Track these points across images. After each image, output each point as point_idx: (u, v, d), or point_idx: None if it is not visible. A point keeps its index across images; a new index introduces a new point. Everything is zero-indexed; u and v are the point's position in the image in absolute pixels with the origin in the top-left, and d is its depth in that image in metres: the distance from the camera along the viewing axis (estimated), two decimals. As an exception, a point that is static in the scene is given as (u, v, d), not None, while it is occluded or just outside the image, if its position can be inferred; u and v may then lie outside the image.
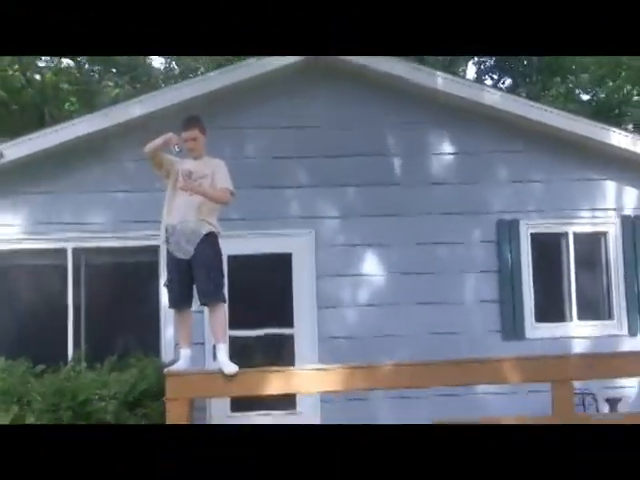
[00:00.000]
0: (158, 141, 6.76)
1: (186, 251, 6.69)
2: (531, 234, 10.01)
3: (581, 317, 10.05)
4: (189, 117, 7.04)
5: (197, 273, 6.72)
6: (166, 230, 6.75)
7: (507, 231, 9.91)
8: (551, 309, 10.04)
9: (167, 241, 6.76)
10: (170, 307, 7.15)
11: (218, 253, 6.84)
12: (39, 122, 20.07)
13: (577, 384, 7.52)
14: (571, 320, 10.04)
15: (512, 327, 9.72)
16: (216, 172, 6.87)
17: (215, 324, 6.84)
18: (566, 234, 10.17)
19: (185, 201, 6.73)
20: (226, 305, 6.95)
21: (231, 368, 6.53)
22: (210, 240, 6.76)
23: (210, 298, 6.75)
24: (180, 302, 6.88)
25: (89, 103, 22.31)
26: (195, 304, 6.91)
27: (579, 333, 9.91)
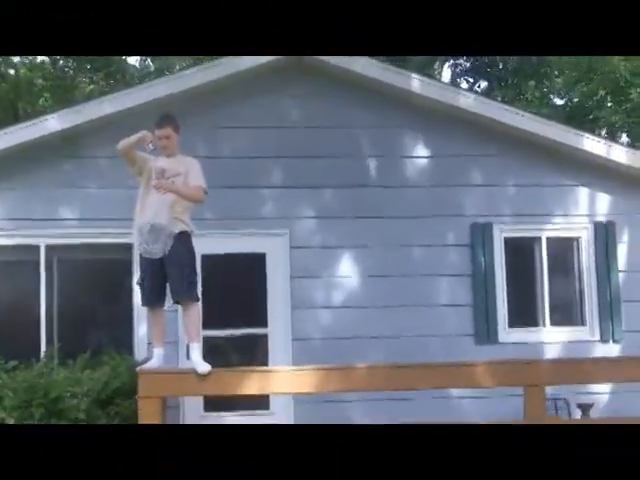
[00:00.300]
0: (132, 138, 6.72)
1: (159, 250, 6.65)
2: (504, 238, 10.04)
3: (554, 323, 10.10)
4: (163, 115, 7.00)
5: (170, 271, 6.69)
6: (139, 229, 6.72)
7: (481, 235, 9.94)
8: (524, 314, 10.08)
9: (139, 239, 6.72)
10: (143, 305, 7.12)
11: (191, 252, 6.80)
12: (13, 118, 19.89)
13: (549, 389, 7.53)
14: (544, 325, 10.09)
15: (485, 331, 9.75)
16: (190, 170, 6.84)
17: (189, 323, 6.82)
18: (539, 239, 10.22)
19: (158, 199, 6.69)
20: (200, 304, 6.93)
21: (204, 367, 6.50)
22: (183, 239, 6.73)
23: (183, 297, 6.72)
24: (153, 300, 6.85)
25: (63, 99, 22.14)
26: (168, 303, 6.88)
27: (551, 338, 9.96)
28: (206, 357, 6.81)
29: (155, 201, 6.71)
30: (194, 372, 6.50)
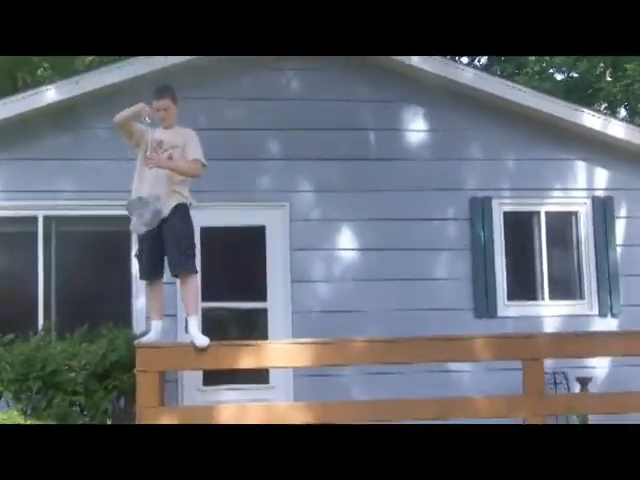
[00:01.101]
0: (128, 111, 6.70)
1: (155, 222, 6.63)
2: (504, 212, 10.02)
3: (552, 297, 10.09)
4: (161, 86, 6.97)
5: (168, 244, 6.68)
6: (136, 200, 6.69)
7: (480, 209, 9.92)
8: (523, 288, 10.08)
9: (136, 212, 6.70)
10: (141, 278, 7.13)
11: (189, 224, 6.79)
12: (11, 88, 19.78)
13: (548, 363, 7.54)
14: (542, 299, 10.08)
15: (484, 305, 9.74)
16: (187, 142, 6.82)
17: (187, 296, 6.81)
18: (538, 213, 10.21)
19: (156, 172, 6.67)
20: (198, 277, 6.92)
21: (203, 341, 6.50)
22: (181, 211, 6.72)
23: (181, 269, 6.71)
24: (151, 274, 6.84)
25: (62, 70, 22.02)
26: (166, 275, 6.87)
27: (550, 312, 9.95)
28: (205, 330, 6.82)
29: (153, 173, 6.69)
30: (192, 346, 6.50)
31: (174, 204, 6.69)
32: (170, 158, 6.74)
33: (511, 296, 9.92)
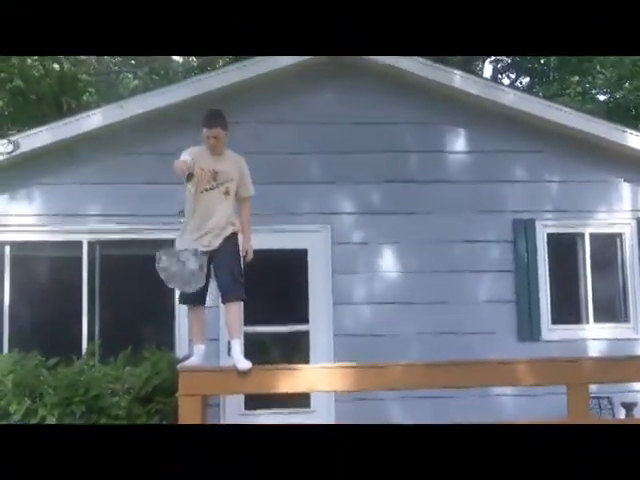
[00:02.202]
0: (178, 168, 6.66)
1: (209, 249, 6.71)
2: (547, 234, 9.95)
3: (597, 319, 9.99)
4: (212, 113, 6.89)
5: (219, 271, 6.72)
6: (192, 231, 6.75)
7: (523, 231, 9.86)
8: (567, 311, 9.99)
9: (192, 239, 6.75)
10: (180, 303, 7.17)
11: (238, 251, 6.86)
12: (57, 112, 20.05)
13: (593, 387, 7.46)
14: (587, 322, 9.99)
15: (528, 328, 9.66)
16: (242, 176, 6.89)
17: (231, 320, 6.82)
18: (582, 235, 10.13)
19: (213, 204, 6.73)
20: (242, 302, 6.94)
21: (245, 365, 6.50)
22: (232, 240, 6.78)
23: (232, 295, 6.74)
24: (192, 299, 6.86)
25: (107, 94, 22.28)
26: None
27: (595, 336, 9.85)
28: (247, 354, 6.82)
29: (208, 204, 6.74)
30: (235, 370, 6.51)
31: (228, 234, 6.75)
32: (227, 193, 6.78)
33: (555, 319, 9.83)
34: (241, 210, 6.96)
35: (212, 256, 6.72)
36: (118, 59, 24.89)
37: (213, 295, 6.91)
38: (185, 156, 6.71)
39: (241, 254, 6.83)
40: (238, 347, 6.69)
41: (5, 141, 9.22)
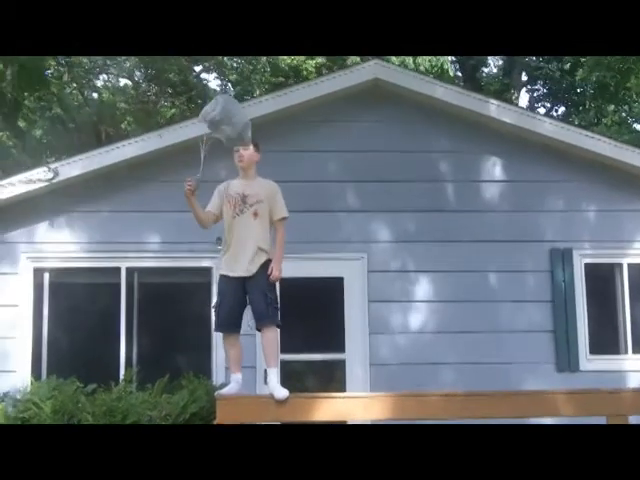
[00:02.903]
0: (192, 208, 6.79)
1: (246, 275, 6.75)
2: (585, 264, 9.89)
3: (636, 350, 9.88)
4: (247, 133, 7.04)
5: (254, 298, 6.74)
6: (229, 257, 6.81)
7: (561, 260, 9.81)
8: (605, 341, 9.90)
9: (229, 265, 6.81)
10: (216, 330, 7.16)
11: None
12: (95, 141, 20.30)
13: (632, 419, 7.37)
14: (625, 353, 9.89)
15: (566, 358, 9.59)
16: (272, 198, 6.88)
17: (267, 347, 6.82)
18: (620, 265, 10.04)
19: (245, 228, 6.77)
20: (278, 329, 6.95)
21: (282, 393, 6.51)
22: (266, 267, 6.79)
23: (266, 322, 6.74)
24: (226, 326, 6.88)
25: (145, 123, 22.52)
26: (244, 327, 6.93)
27: (634, 367, 9.75)
28: (283, 382, 6.82)
29: (241, 229, 6.79)
30: (272, 398, 6.52)
31: (260, 263, 6.77)
32: (256, 214, 6.81)
33: (593, 349, 9.75)
34: (275, 234, 6.97)
35: (247, 283, 6.76)
36: (155, 88, 25.20)
37: (249, 322, 6.94)
38: (221, 188, 6.90)
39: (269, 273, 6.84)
40: (275, 376, 6.69)
41: (45, 169, 9.33)
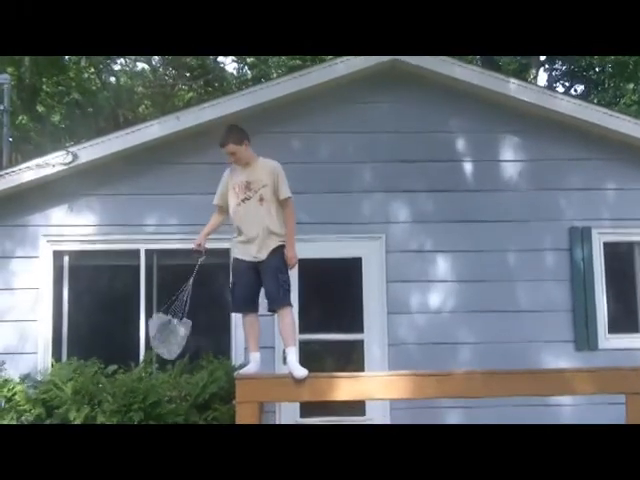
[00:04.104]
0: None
1: (257, 259, 6.81)
2: (603, 243, 9.85)
3: (655, 328, 9.86)
4: (223, 132, 7.17)
5: (266, 280, 6.81)
6: (240, 243, 6.88)
7: (579, 239, 9.77)
8: (624, 320, 9.86)
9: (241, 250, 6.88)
10: (232, 311, 7.26)
11: (284, 262, 6.94)
12: (113, 125, 20.35)
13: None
14: (645, 331, 9.87)
15: (585, 337, 9.56)
16: (277, 179, 6.94)
17: (284, 328, 6.89)
18: (639, 243, 10.00)
19: (254, 212, 6.83)
20: (295, 309, 7.00)
21: (301, 372, 6.56)
22: (278, 251, 6.86)
23: (278, 303, 6.81)
24: (242, 307, 6.97)
25: (163, 106, 22.57)
26: (262, 308, 6.98)
27: (653, 345, 9.73)
28: (302, 362, 6.86)
29: (249, 214, 6.85)
30: (291, 377, 6.56)
31: (272, 247, 6.82)
32: (262, 199, 6.87)
33: (612, 328, 9.71)
34: (284, 215, 7.00)
35: (260, 265, 6.82)
36: (173, 72, 25.24)
37: (264, 303, 7.00)
38: (225, 176, 7.15)
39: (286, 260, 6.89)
40: (294, 355, 6.75)
41: (64, 152, 9.36)
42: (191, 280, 7.28)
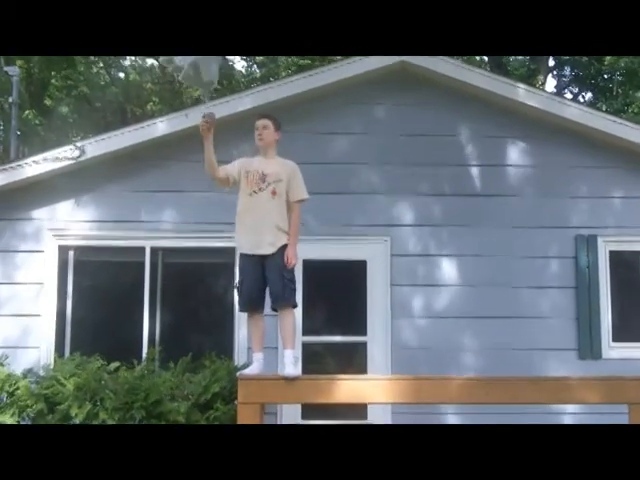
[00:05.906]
0: (206, 157, 6.82)
1: (264, 253, 6.77)
2: (609, 251, 9.82)
3: (659, 339, 9.83)
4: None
5: (271, 278, 6.77)
6: (246, 232, 6.83)
7: (585, 247, 9.74)
8: (629, 329, 9.83)
9: (247, 243, 6.84)
10: (240, 310, 7.21)
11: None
12: (121, 120, 20.36)
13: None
14: (649, 341, 9.84)
15: (588, 346, 9.53)
16: (292, 178, 6.89)
17: (283, 329, 6.87)
18: (645, 252, 9.99)
19: (263, 205, 6.79)
20: (298, 311, 6.97)
21: (292, 372, 6.57)
22: (284, 249, 6.81)
23: (282, 302, 6.78)
24: (249, 306, 6.93)
25: (171, 103, 22.57)
26: (267, 309, 6.95)
27: (657, 354, 9.70)
28: (304, 363, 6.86)
29: (257, 207, 6.80)
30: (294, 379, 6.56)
31: (280, 245, 6.78)
32: (274, 192, 6.83)
33: (616, 337, 9.69)
34: (290, 215, 6.94)
35: (266, 262, 6.78)
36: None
37: (269, 302, 6.97)
38: (240, 160, 7.07)
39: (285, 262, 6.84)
40: (290, 357, 6.71)
41: (71, 147, 9.36)
42: None
